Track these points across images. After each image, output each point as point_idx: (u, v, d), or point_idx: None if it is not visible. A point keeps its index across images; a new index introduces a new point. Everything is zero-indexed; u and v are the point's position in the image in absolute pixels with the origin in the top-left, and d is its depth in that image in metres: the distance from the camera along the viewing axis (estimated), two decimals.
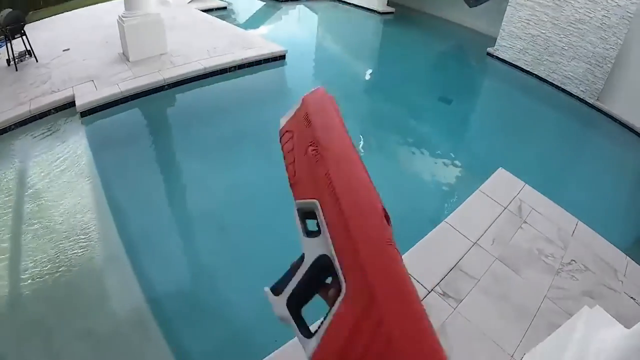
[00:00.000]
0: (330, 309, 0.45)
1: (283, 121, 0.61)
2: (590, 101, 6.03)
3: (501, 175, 3.67)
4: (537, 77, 6.72)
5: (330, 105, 0.59)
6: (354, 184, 0.50)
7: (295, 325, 0.48)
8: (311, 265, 0.50)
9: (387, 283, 0.43)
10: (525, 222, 3.28)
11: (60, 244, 3.27)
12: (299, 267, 0.50)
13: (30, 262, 3.12)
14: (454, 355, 2.33)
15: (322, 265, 0.49)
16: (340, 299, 0.44)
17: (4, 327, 2.75)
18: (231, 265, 3.14)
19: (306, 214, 0.52)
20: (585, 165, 4.88)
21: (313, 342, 0.45)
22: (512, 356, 2.40)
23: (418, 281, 2.62)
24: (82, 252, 3.21)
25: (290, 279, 0.50)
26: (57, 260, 3.13)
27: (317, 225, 0.50)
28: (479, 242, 2.99)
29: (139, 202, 3.75)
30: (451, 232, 3.01)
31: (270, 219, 3.50)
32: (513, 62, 7.07)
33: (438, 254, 2.85)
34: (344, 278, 0.45)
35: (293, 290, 0.49)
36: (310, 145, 0.53)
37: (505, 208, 3.33)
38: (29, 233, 3.37)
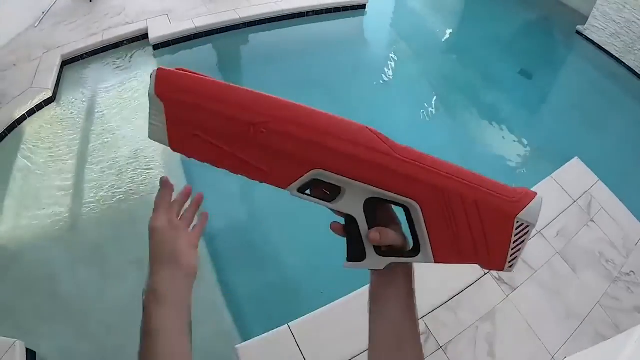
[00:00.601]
0: (413, 224, 0.50)
1: (160, 135, 0.51)
2: None
3: (576, 166, 3.48)
4: (625, 66, 6.17)
5: (196, 78, 0.51)
6: (329, 125, 0.48)
7: (399, 258, 0.52)
8: (365, 215, 0.51)
9: (435, 172, 0.48)
10: (592, 221, 3.14)
11: (123, 173, 3.39)
12: (356, 226, 0.51)
13: (93, 189, 3.26)
14: (498, 343, 2.34)
15: (372, 207, 0.51)
16: (418, 212, 0.49)
17: (63, 248, 2.92)
18: (286, 212, 3.20)
19: (303, 188, 0.50)
20: None
21: (427, 253, 0.51)
22: (552, 357, 2.38)
23: None
24: (144, 183, 3.32)
25: (361, 240, 0.51)
26: (119, 189, 3.26)
27: (327, 187, 0.51)
28: (543, 232, 2.91)
29: None
30: None
31: None
32: (602, 46, 6.48)
33: None
34: (407, 196, 0.48)
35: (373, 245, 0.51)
36: (245, 130, 0.47)
37: (574, 201, 3.19)
38: (95, 160, 3.50)
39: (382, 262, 0.52)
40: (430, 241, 0.50)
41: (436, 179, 0.48)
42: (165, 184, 0.65)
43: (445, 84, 5.25)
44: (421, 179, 0.48)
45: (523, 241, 0.49)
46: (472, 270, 2.56)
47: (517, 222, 0.48)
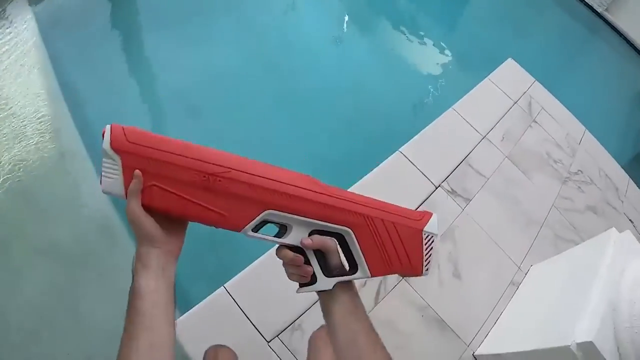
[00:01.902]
0: (348, 247, 0.62)
1: (115, 188, 0.53)
2: (599, 10, 5.50)
3: (511, 67, 3.16)
4: None
5: (153, 135, 0.54)
6: (275, 173, 0.56)
7: (343, 277, 0.62)
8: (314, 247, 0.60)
9: (360, 204, 0.60)
10: (534, 122, 2.84)
11: (7, 143, 2.53)
12: (306, 258, 0.60)
13: None
14: (461, 261, 1.95)
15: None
16: (352, 236, 0.61)
17: None
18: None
19: (257, 228, 0.58)
20: (587, 73, 4.47)
21: (364, 269, 0.62)
22: (519, 267, 2.07)
23: (424, 174, 2.14)
24: (34, 151, 2.51)
25: (312, 268, 0.61)
26: (4, 165, 2.43)
27: (281, 224, 0.59)
28: (488, 136, 2.53)
29: (98, 87, 2.94)
30: (459, 122, 2.50)
31: (248, 98, 2.88)
32: None
33: (445, 143, 2.36)
34: (342, 225, 0.60)
35: (320, 267, 0.61)
36: (203, 179, 0.53)
37: (515, 102, 2.86)
38: None
39: (330, 282, 0.61)
40: (365, 259, 0.61)
41: (363, 209, 0.60)
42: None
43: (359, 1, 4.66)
44: (352, 210, 0.59)
45: (432, 248, 0.63)
46: (421, 186, 2.11)
47: (425, 234, 0.63)
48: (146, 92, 3.12)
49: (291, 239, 0.59)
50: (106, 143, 0.50)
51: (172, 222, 0.59)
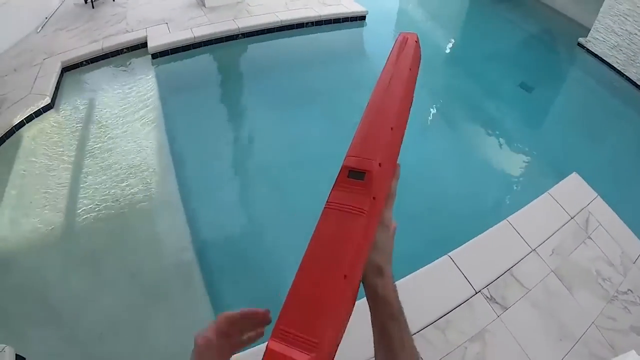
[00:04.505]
0: None
1: None
2: None
3: (574, 181, 3.43)
4: (627, 78, 6.14)
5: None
6: None
7: None
8: None
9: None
10: (589, 238, 3.09)
11: (119, 182, 3.39)
12: None
13: (89, 197, 3.27)
14: None
15: None
16: None
17: (56, 255, 2.92)
18: (280, 225, 3.18)
19: None
20: None
21: None
22: None
23: (467, 278, 2.56)
24: (138, 192, 3.32)
25: None
26: (113, 198, 3.26)
27: None
28: (538, 249, 2.87)
29: (199, 150, 3.81)
30: (511, 233, 2.89)
31: (328, 185, 3.48)
32: (604, 58, 6.46)
33: (493, 253, 2.76)
34: None
35: None
36: None
37: (572, 218, 3.14)
38: (91, 169, 3.51)
39: None
40: None
41: None
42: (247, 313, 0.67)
43: (446, 97, 5.24)
44: None
45: None
46: (462, 289, 2.52)
47: None
48: (238, 162, 3.78)
49: None
50: None
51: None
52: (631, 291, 2.89)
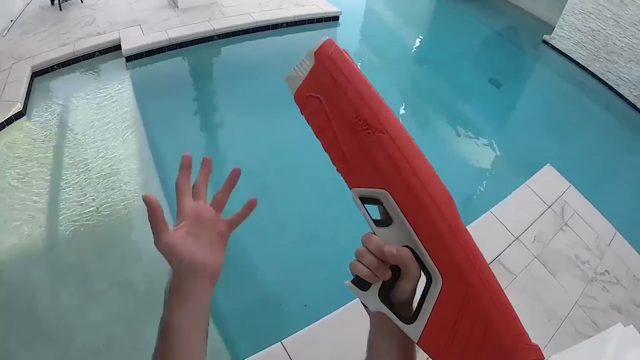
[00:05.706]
0: (425, 295, 0.48)
1: (295, 82, 0.56)
2: None
3: (548, 172, 3.61)
4: (591, 73, 6.45)
5: (352, 64, 0.53)
6: (423, 170, 0.48)
7: (392, 313, 0.50)
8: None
9: (477, 272, 0.47)
10: (566, 225, 3.25)
11: (99, 191, 3.29)
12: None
13: (68, 206, 3.16)
14: None
15: None
16: (438, 287, 0.47)
17: (40, 268, 2.82)
18: (267, 228, 3.17)
19: (365, 200, 0.51)
20: (630, 175, 4.73)
21: (418, 327, 0.48)
22: None
23: None
24: (120, 201, 3.23)
25: (390, 273, 0.51)
26: (94, 208, 3.16)
27: (384, 213, 0.51)
28: (521, 237, 2.99)
29: (179, 154, 3.73)
30: (495, 224, 3.01)
31: (311, 186, 3.51)
32: (568, 54, 6.77)
33: (480, 242, 2.81)
34: (439, 269, 0.48)
35: (383, 282, 0.51)
36: (357, 122, 0.50)
37: (549, 207, 3.30)
38: (69, 176, 3.39)
39: (376, 305, 0.51)
40: (428, 320, 0.48)
41: (473, 278, 0.46)
42: (150, 204, 0.56)
43: (415, 95, 5.37)
44: (461, 268, 0.47)
45: None
46: None
47: None
48: (219, 165, 3.81)
49: (383, 234, 0.50)
50: (314, 48, 0.54)
51: (211, 242, 0.59)
52: (608, 272, 3.07)
